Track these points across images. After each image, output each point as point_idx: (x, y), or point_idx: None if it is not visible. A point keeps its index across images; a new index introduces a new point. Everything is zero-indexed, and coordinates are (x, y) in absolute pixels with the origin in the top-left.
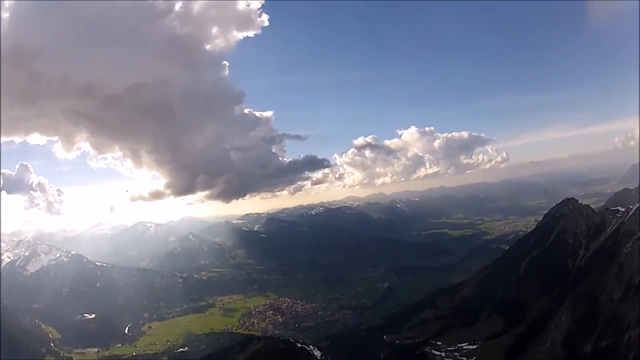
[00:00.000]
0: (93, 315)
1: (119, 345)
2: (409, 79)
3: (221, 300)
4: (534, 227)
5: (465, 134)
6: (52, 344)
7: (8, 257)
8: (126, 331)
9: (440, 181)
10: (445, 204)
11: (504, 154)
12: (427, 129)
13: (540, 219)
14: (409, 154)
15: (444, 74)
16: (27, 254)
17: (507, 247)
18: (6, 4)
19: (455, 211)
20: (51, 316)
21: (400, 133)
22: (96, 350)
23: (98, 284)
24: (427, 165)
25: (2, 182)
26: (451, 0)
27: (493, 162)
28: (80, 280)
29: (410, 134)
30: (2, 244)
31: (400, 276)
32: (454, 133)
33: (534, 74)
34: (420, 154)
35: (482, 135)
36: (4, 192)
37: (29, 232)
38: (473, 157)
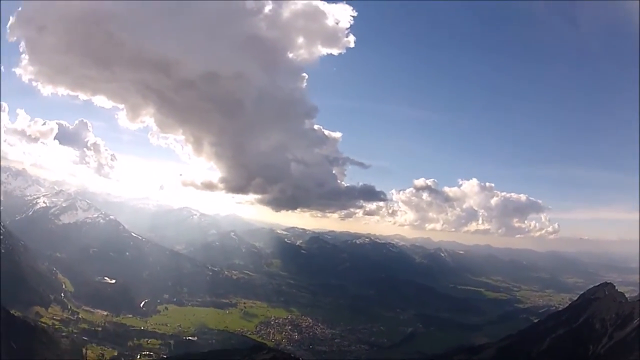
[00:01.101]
0: (113, 281)
1: (130, 316)
2: (482, 130)
3: (244, 303)
4: (567, 304)
5: (523, 197)
6: (62, 294)
7: (44, 202)
8: (141, 305)
9: (488, 239)
10: (487, 264)
11: (556, 225)
12: (487, 184)
13: (575, 298)
14: (465, 206)
15: (518, 133)
16: (64, 205)
17: (536, 320)
18: None
19: (496, 272)
20: (70, 269)
21: (461, 183)
22: (105, 313)
23: (127, 253)
24: (480, 221)
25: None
26: (532, 63)
27: (543, 231)
28: (111, 244)
29: (470, 186)
30: (42, 189)
31: (426, 324)
32: (512, 194)
33: (606, 150)
34: (476, 208)
35: (539, 201)
36: (56, 141)
37: (72, 186)
38: (526, 222)
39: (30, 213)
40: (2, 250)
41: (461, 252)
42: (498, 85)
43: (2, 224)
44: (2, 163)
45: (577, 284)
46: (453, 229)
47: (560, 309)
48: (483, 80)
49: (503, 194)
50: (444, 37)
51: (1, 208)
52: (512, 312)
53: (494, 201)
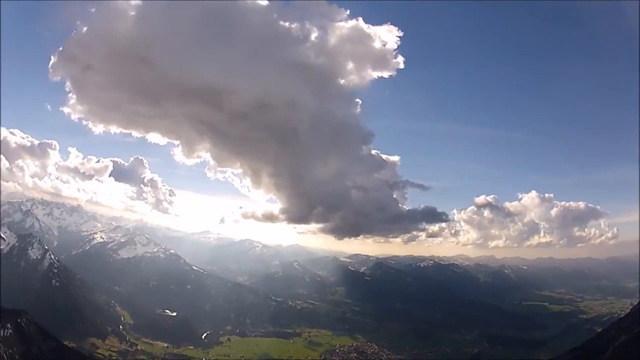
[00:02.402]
0: (174, 314)
1: (191, 347)
2: (537, 141)
3: (308, 332)
4: (628, 310)
5: (582, 204)
6: (120, 326)
7: (101, 237)
8: (203, 337)
9: (550, 252)
10: (550, 277)
11: (615, 230)
12: (547, 195)
13: (637, 302)
14: (526, 220)
15: (572, 140)
16: (122, 240)
17: (600, 329)
18: (132, 2)
19: (559, 285)
20: (129, 302)
21: (520, 196)
22: (165, 345)
23: (189, 286)
24: (541, 234)
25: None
26: (578, 79)
27: (603, 237)
28: (171, 278)
29: (530, 199)
30: (98, 224)
31: (491, 344)
32: (571, 202)
33: None
34: (537, 221)
35: (598, 207)
36: (111, 178)
37: (130, 221)
38: (586, 230)
39: (87, 248)
40: (57, 284)
41: (524, 267)
42: (548, 94)
43: (56, 257)
44: (56, 199)
45: (637, 288)
46: (516, 245)
47: (622, 315)
48: (533, 92)
49: (562, 203)
50: (490, 51)
51: (55, 243)
52: (576, 323)
53: (554, 212)
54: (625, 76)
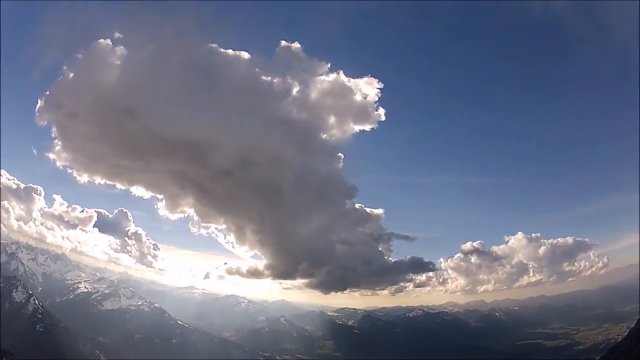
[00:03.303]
0: None
1: None
2: (520, 184)
3: None
4: (625, 333)
5: (570, 239)
6: None
7: (85, 287)
8: None
9: (540, 290)
10: (542, 314)
11: (605, 259)
12: (534, 235)
13: (633, 324)
14: (514, 261)
15: (555, 179)
16: (107, 292)
17: (598, 357)
18: (118, 51)
19: (552, 321)
20: (114, 354)
21: (507, 239)
22: None
23: (174, 341)
24: (531, 273)
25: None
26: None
27: (594, 269)
28: (156, 332)
29: (517, 240)
30: (83, 274)
31: None
32: (559, 239)
33: None
34: (525, 261)
35: (586, 240)
36: (96, 229)
37: (114, 273)
38: (575, 263)
39: (71, 297)
40: (41, 329)
41: (515, 307)
42: (526, 138)
43: (41, 303)
44: (41, 245)
45: (633, 310)
46: (505, 287)
47: (619, 339)
48: (510, 140)
49: (550, 241)
50: (468, 101)
51: (39, 289)
52: (572, 355)
53: (541, 251)
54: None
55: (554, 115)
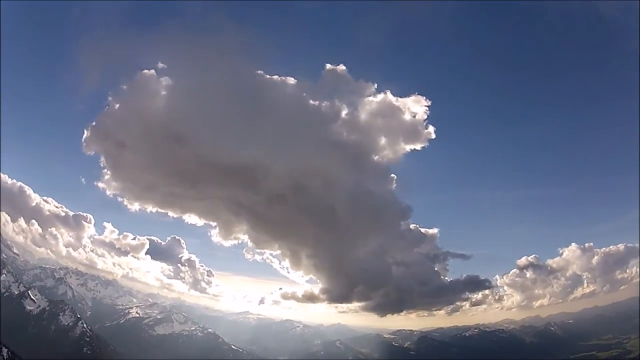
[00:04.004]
0: None
1: None
2: (570, 195)
3: None
4: None
5: (621, 246)
6: None
7: (137, 312)
8: None
9: (594, 301)
10: (596, 325)
11: None
12: (586, 245)
13: None
14: (568, 273)
15: (604, 187)
16: (159, 317)
17: None
18: (163, 81)
19: (605, 331)
20: None
21: (561, 251)
22: None
23: None
24: (585, 284)
25: None
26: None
27: None
28: (209, 357)
29: (570, 252)
30: (134, 299)
31: None
32: (611, 247)
33: None
34: (579, 273)
35: (637, 245)
36: (148, 256)
37: (167, 299)
38: (627, 270)
39: (122, 321)
40: (88, 352)
41: (570, 321)
42: (573, 150)
43: (89, 327)
44: (91, 271)
45: None
46: (560, 300)
47: None
48: (559, 152)
49: (602, 249)
50: (516, 113)
51: (88, 313)
52: None
53: (595, 260)
54: None
55: (601, 122)
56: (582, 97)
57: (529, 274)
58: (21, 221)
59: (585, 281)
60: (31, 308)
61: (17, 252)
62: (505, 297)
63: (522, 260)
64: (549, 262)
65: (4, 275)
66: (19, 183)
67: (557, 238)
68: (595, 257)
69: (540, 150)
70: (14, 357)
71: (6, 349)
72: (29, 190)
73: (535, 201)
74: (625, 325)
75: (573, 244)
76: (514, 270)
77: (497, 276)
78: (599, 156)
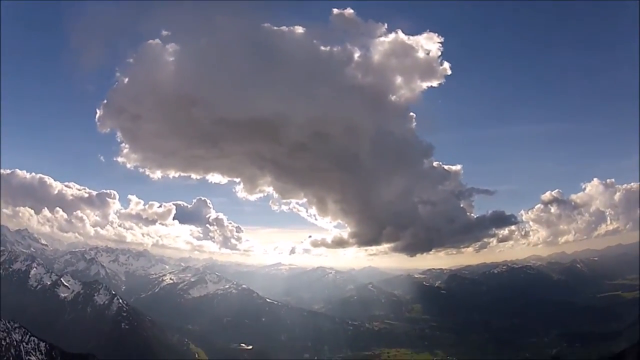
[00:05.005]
0: (250, 347)
1: None
2: (592, 130)
3: (387, 352)
4: None
5: None
6: None
7: (171, 279)
8: None
9: (618, 238)
10: (621, 264)
11: None
12: (608, 181)
13: None
14: (592, 209)
15: (626, 121)
16: (193, 280)
17: None
18: (169, 48)
19: (630, 271)
20: (204, 340)
21: (583, 186)
22: None
23: (264, 319)
24: (608, 221)
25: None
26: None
27: None
28: (245, 312)
29: (593, 187)
30: (167, 266)
31: (569, 342)
32: (632, 184)
33: None
34: (602, 209)
35: None
36: (176, 221)
37: (199, 261)
38: None
39: (157, 290)
40: (127, 326)
41: (595, 258)
42: (595, 85)
43: (125, 301)
44: (121, 246)
45: None
46: (585, 237)
47: None
48: (581, 84)
49: (624, 186)
50: (536, 42)
51: (123, 288)
52: None
53: (617, 197)
54: None
55: (624, 55)
56: (611, 29)
57: (553, 209)
58: (45, 211)
59: (608, 218)
60: (65, 295)
61: (45, 242)
62: (531, 233)
63: (546, 195)
64: (573, 197)
65: (34, 269)
66: (38, 175)
67: (579, 173)
68: (617, 194)
69: (564, 85)
70: (52, 349)
71: (44, 343)
72: (49, 180)
73: (557, 135)
74: None
75: (595, 179)
76: (539, 205)
77: (522, 211)
78: (622, 92)
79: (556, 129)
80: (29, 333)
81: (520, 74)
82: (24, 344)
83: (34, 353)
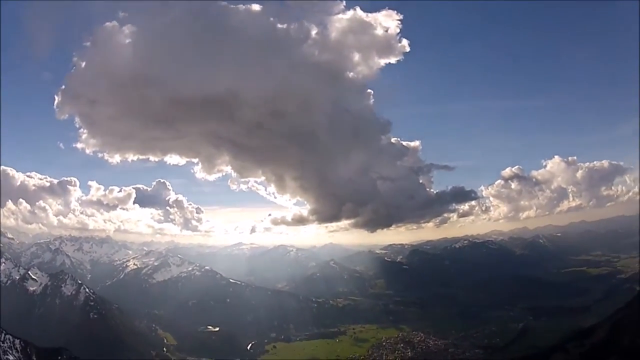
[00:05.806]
0: (217, 329)
1: (237, 359)
2: (552, 106)
3: (353, 329)
4: None
5: (605, 162)
6: (164, 349)
7: (134, 264)
8: (248, 348)
9: (581, 215)
10: (585, 240)
11: None
12: (570, 158)
13: None
14: (553, 186)
15: (589, 98)
16: (156, 264)
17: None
18: (126, 29)
19: (594, 247)
20: (171, 324)
21: (544, 163)
22: None
23: (228, 300)
24: (570, 198)
25: None
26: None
27: (630, 193)
28: (210, 294)
29: (554, 164)
30: (130, 252)
31: (536, 316)
32: (595, 162)
33: None
34: (564, 186)
35: (621, 163)
36: (136, 205)
37: (161, 244)
38: (613, 188)
39: (122, 276)
40: (95, 316)
41: (558, 234)
42: (557, 63)
43: (91, 290)
44: (84, 234)
45: None
46: (547, 213)
47: None
48: (542, 61)
49: (586, 164)
50: (494, 21)
51: (88, 276)
52: (615, 284)
53: (579, 174)
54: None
55: (588, 32)
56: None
57: (513, 185)
58: (9, 204)
59: (570, 195)
60: (34, 288)
61: (12, 236)
62: (491, 208)
63: (507, 171)
64: (534, 173)
65: (3, 264)
66: (1, 167)
67: (540, 149)
68: (580, 172)
69: (524, 60)
70: (27, 346)
71: (18, 340)
72: (12, 172)
73: (517, 111)
74: (614, 243)
75: (556, 157)
76: (499, 181)
77: (482, 187)
78: (586, 66)
79: (515, 105)
80: (4, 332)
81: (479, 51)
82: (0, 343)
83: (10, 352)
